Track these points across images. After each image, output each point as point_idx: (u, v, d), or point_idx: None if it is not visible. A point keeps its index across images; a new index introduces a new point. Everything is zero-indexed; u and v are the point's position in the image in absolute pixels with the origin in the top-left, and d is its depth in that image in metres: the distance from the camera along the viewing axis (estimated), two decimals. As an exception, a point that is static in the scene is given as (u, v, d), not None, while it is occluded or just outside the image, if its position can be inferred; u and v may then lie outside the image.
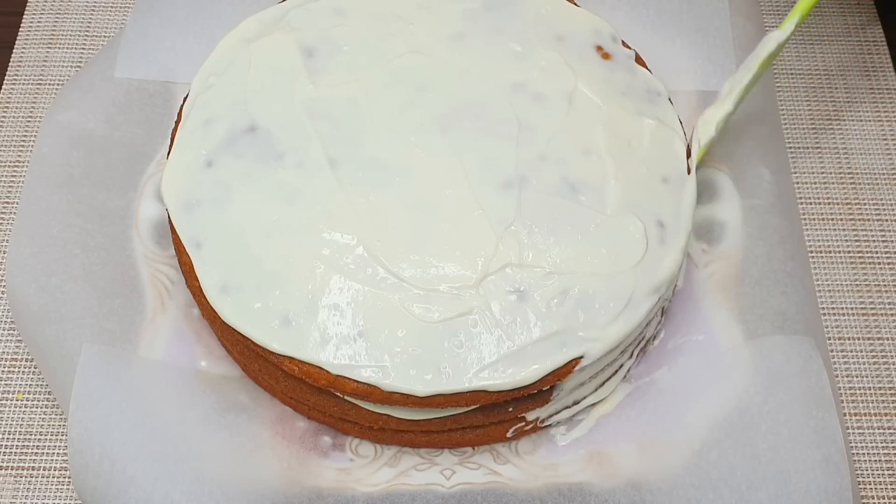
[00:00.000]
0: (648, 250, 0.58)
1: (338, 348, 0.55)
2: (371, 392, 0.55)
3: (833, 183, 0.73)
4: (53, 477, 0.62)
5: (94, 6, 0.80)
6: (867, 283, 0.69)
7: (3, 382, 0.65)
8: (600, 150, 0.61)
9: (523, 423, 0.60)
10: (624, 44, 0.66)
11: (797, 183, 0.73)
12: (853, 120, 0.75)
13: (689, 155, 0.63)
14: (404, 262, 0.57)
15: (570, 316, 0.56)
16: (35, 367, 0.65)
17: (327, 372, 0.55)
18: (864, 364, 0.66)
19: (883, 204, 0.72)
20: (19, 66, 0.77)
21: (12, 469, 0.62)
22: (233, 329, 0.57)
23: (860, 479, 0.62)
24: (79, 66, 0.77)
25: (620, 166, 0.60)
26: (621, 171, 0.60)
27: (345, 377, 0.55)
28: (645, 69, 0.65)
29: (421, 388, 0.54)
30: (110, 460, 0.57)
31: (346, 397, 0.57)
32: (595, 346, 0.56)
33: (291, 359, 0.56)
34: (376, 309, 0.56)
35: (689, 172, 0.62)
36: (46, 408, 0.64)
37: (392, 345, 0.55)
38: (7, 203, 0.71)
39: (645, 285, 0.57)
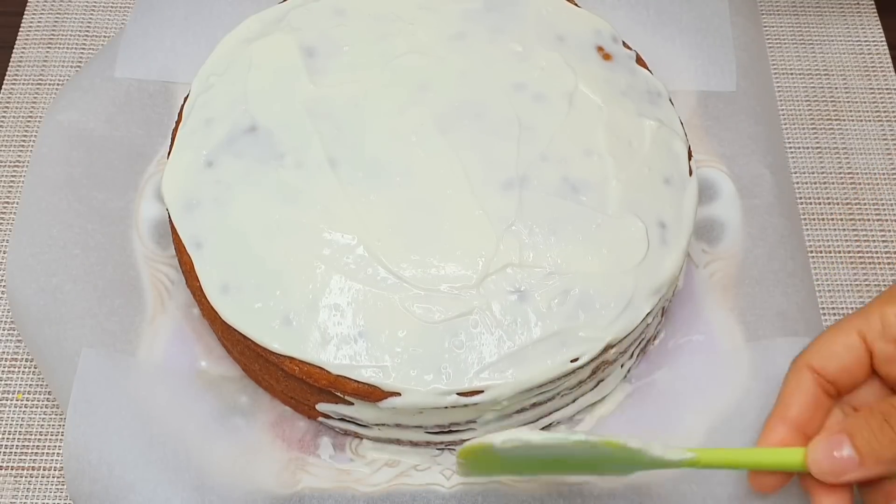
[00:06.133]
0: (650, 251, 0.58)
1: (338, 348, 0.55)
2: (371, 392, 0.55)
3: (833, 183, 0.73)
4: (53, 477, 0.62)
5: (94, 6, 0.80)
6: (867, 283, 0.69)
7: (3, 382, 0.65)
8: (601, 150, 0.61)
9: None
10: (625, 44, 0.66)
11: (797, 183, 0.73)
12: (853, 120, 0.75)
13: (690, 156, 0.62)
14: (405, 262, 0.57)
15: (571, 316, 0.56)
16: (35, 368, 0.65)
17: (328, 372, 0.55)
18: (863, 364, 0.66)
19: (883, 204, 0.72)
20: (19, 66, 0.77)
21: (12, 469, 0.62)
22: (233, 329, 0.57)
23: (860, 479, 0.62)
24: (79, 66, 0.77)
25: (621, 167, 0.60)
26: (622, 171, 0.60)
27: (345, 377, 0.55)
28: (646, 70, 0.65)
29: (422, 389, 0.54)
30: (108, 466, 0.57)
31: (346, 397, 0.57)
32: (595, 347, 0.56)
33: (292, 359, 0.56)
34: (377, 309, 0.56)
35: (690, 174, 0.62)
36: (46, 408, 0.64)
37: (392, 345, 0.55)
38: (7, 203, 0.71)
39: (646, 286, 0.57)
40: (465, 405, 0.55)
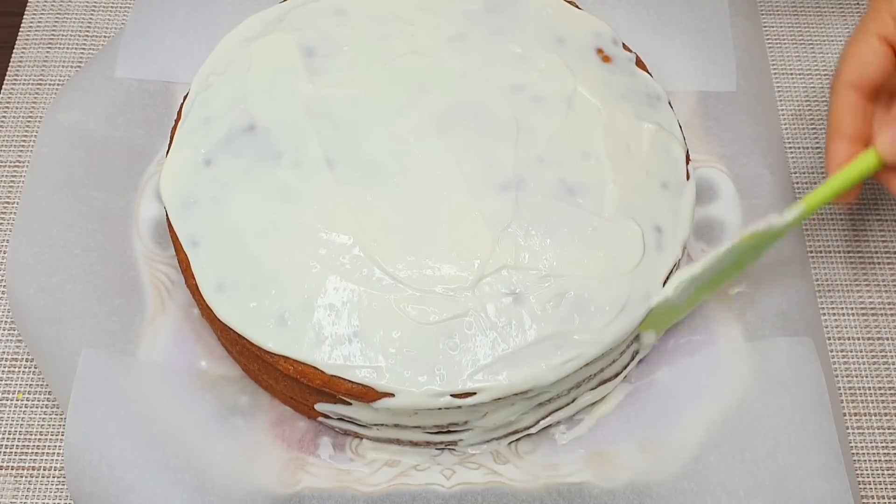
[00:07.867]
0: (645, 255, 0.58)
1: (333, 348, 0.55)
2: (365, 393, 0.55)
3: (833, 183, 0.73)
4: (53, 477, 0.62)
5: (94, 6, 0.80)
6: (867, 283, 0.69)
7: (3, 382, 0.65)
8: (599, 153, 0.61)
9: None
10: (625, 47, 0.66)
11: (797, 183, 0.72)
12: (853, 120, 0.75)
13: (687, 160, 0.62)
14: (400, 263, 0.57)
15: (566, 319, 0.56)
16: (35, 367, 0.66)
17: (322, 372, 0.55)
18: (864, 364, 0.66)
19: (883, 204, 0.72)
20: (19, 66, 0.77)
21: (12, 469, 0.62)
22: (230, 328, 0.57)
23: (860, 480, 0.62)
24: (79, 66, 0.77)
25: (619, 170, 0.60)
26: (620, 174, 0.60)
27: (339, 377, 0.55)
28: (645, 73, 0.65)
29: (415, 390, 0.54)
30: (108, 466, 0.57)
31: (340, 397, 0.57)
32: (590, 350, 0.56)
33: (286, 358, 0.56)
34: (371, 309, 0.56)
35: (687, 178, 0.61)
36: (46, 408, 0.64)
37: (387, 345, 0.55)
38: (7, 203, 0.71)
39: (641, 290, 0.57)
40: (459, 406, 0.55)
